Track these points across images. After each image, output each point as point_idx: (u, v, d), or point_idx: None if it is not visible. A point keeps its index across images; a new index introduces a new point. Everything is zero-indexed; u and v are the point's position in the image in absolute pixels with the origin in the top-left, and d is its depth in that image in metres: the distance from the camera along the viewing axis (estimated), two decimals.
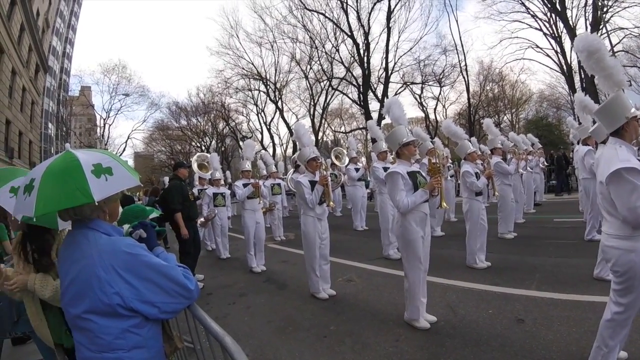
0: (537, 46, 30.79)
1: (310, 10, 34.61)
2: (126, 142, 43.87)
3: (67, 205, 1.48)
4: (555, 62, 30.17)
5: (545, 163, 13.82)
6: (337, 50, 35.94)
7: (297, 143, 5.75)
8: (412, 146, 4.29)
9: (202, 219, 7.96)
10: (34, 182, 1.49)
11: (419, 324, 4.05)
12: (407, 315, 4.17)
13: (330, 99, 39.64)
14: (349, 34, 33.93)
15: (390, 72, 34.13)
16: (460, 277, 5.57)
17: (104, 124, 41.85)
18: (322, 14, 34.41)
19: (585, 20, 26.56)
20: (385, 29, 33.04)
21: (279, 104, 40.73)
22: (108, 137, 42.10)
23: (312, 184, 5.33)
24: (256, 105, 42.86)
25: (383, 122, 16.65)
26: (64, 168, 1.52)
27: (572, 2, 26.86)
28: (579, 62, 24.43)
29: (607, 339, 2.71)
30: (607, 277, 4.14)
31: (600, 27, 24.97)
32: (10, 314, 2.90)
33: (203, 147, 45.59)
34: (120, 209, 2.52)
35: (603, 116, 2.82)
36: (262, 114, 43.25)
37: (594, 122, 5.43)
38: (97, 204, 1.52)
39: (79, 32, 49.35)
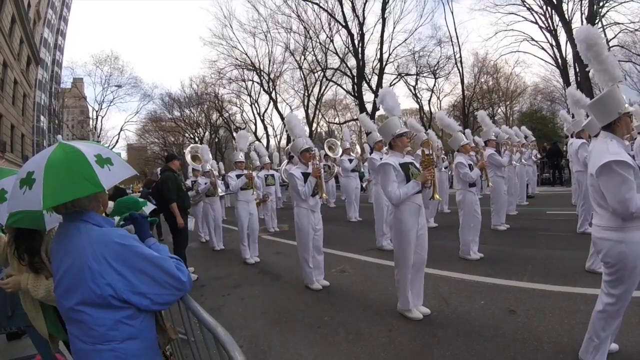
0: (533, 39, 30.82)
1: (304, 0, 34.42)
2: (119, 134, 43.55)
3: (77, 195, 1.48)
4: (550, 55, 30.26)
5: (539, 155, 13.88)
6: (332, 41, 35.78)
7: (290, 134, 5.74)
8: (405, 137, 4.27)
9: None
10: (32, 175, 1.47)
11: (412, 315, 4.08)
12: (399, 306, 4.20)
13: (325, 89, 39.48)
14: (344, 24, 33.73)
15: (384, 63, 34.08)
16: (452, 268, 5.61)
17: (97, 116, 41.55)
18: (316, 4, 34.19)
19: (581, 14, 26.60)
20: (380, 20, 32.92)
21: (273, 94, 40.54)
22: (101, 129, 41.81)
23: (305, 175, 5.33)
24: (250, 96, 42.62)
25: (377, 113, 16.60)
26: (68, 159, 1.51)
27: None
28: (574, 56, 24.58)
29: (599, 330, 2.75)
30: (598, 270, 4.18)
31: (596, 21, 24.99)
32: (5, 309, 2.89)
33: (197, 139, 45.31)
34: (111, 203, 2.52)
35: (596, 109, 2.83)
36: (256, 104, 43.02)
37: (587, 116, 5.46)
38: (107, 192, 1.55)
39: (71, 23, 48.70)
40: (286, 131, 37.74)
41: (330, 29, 35.46)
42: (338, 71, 36.81)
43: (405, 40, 34.71)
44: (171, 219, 6.34)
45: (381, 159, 5.58)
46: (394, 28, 34.24)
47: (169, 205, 6.22)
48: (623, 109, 2.65)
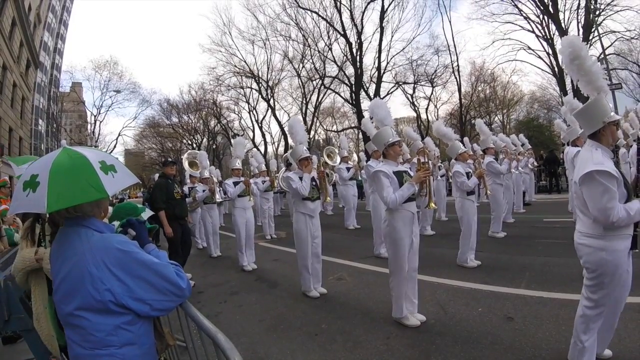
0: (529, 48, 30.93)
1: (303, 8, 34.53)
2: (117, 139, 43.45)
3: (82, 200, 1.50)
4: (547, 64, 30.36)
5: (535, 164, 13.92)
6: (330, 49, 35.89)
7: (291, 138, 5.74)
8: (398, 146, 4.30)
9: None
10: (37, 178, 1.48)
11: (409, 322, 4.07)
12: (392, 314, 4.21)
13: (323, 97, 39.59)
14: (342, 33, 33.90)
15: (382, 71, 34.18)
16: (450, 275, 5.61)
17: (95, 121, 41.47)
18: (315, 12, 34.38)
19: (578, 23, 26.85)
20: (379, 29, 33.13)
21: (271, 102, 40.61)
22: (99, 134, 41.73)
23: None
24: (248, 103, 42.63)
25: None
26: (74, 165, 1.53)
27: (565, 5, 27.18)
28: None
29: (580, 334, 2.80)
30: None
31: (592, 30, 25.20)
32: (1, 313, 2.88)
33: (194, 145, 45.32)
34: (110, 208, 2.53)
35: (582, 119, 2.88)
36: (254, 111, 43.03)
37: None
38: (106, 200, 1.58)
39: (71, 27, 48.88)
40: (284, 138, 37.86)
41: (328, 37, 35.65)
42: (336, 79, 36.91)
43: (403, 49, 34.98)
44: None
45: (377, 166, 5.61)
46: (392, 37, 34.54)
47: (157, 213, 6.19)
48: (608, 118, 2.67)
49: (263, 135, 43.30)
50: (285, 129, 8.55)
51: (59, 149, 1.65)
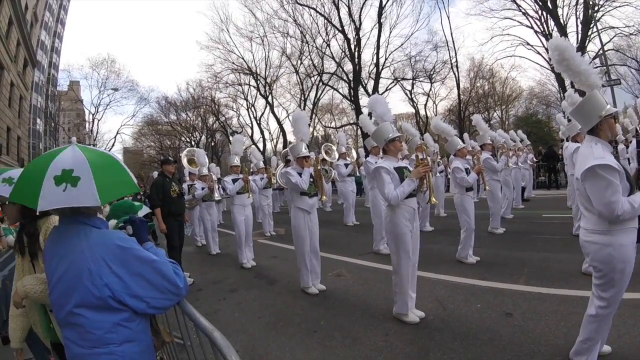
0: (528, 44, 30.89)
1: (301, 4, 34.60)
2: (115, 137, 43.36)
3: (125, 193, 1.67)
4: (545, 59, 30.20)
5: (534, 159, 13.90)
6: (328, 45, 35.97)
7: (294, 132, 5.70)
8: (398, 141, 4.28)
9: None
10: (72, 173, 1.48)
11: (408, 319, 4.07)
12: (396, 310, 4.20)
13: (321, 94, 39.60)
14: (340, 29, 33.97)
15: (381, 67, 34.23)
16: (449, 271, 5.61)
17: (93, 119, 41.37)
18: (313, 8, 34.41)
19: (576, 18, 26.83)
20: (377, 25, 33.13)
21: (269, 98, 40.54)
22: (97, 132, 41.63)
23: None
24: (246, 100, 42.56)
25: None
26: (109, 163, 1.63)
27: (564, 1, 27.13)
28: None
29: (592, 333, 2.77)
30: None
31: (591, 25, 25.15)
32: (1, 313, 2.88)
33: (193, 142, 45.28)
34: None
35: (578, 116, 2.88)
36: (252, 108, 42.99)
37: None
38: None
39: (68, 25, 48.69)
40: (283, 135, 37.83)
41: (326, 33, 35.72)
42: (334, 75, 36.90)
43: (402, 45, 34.97)
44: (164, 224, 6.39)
45: (376, 162, 5.59)
46: (390, 33, 34.42)
47: (153, 210, 6.27)
48: (604, 112, 2.67)
49: (262, 132, 43.31)
50: (289, 120, 8.58)
51: (68, 145, 1.63)
